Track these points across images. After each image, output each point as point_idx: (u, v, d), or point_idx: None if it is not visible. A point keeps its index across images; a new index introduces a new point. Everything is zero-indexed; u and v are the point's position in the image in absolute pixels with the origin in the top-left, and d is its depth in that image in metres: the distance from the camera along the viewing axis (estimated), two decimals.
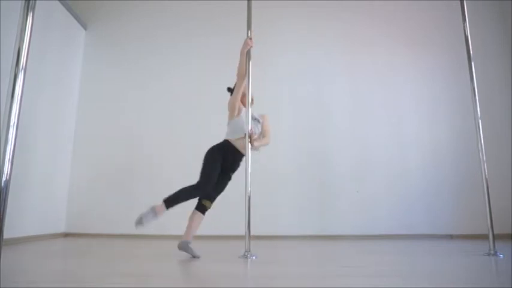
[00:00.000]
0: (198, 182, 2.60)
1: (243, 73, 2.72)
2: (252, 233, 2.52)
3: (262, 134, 2.78)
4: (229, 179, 2.70)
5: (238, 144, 2.65)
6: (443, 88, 4.68)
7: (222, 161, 2.62)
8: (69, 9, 4.26)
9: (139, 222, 2.43)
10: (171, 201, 2.54)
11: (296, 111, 4.49)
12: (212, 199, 2.65)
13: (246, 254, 2.42)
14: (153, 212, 2.46)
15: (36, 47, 3.45)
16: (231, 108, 2.72)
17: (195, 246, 2.45)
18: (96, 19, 4.73)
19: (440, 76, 4.72)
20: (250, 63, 2.80)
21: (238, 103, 2.72)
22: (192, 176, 4.38)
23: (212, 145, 2.70)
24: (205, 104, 4.48)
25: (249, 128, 2.62)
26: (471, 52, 2.95)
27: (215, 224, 4.16)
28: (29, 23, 1.49)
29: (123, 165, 4.33)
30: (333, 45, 4.74)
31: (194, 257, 2.43)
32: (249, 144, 2.61)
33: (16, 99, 1.42)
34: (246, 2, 2.92)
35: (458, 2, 3.08)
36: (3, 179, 1.35)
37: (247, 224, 2.53)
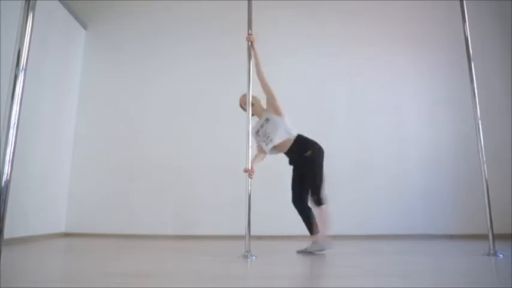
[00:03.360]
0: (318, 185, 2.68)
1: (262, 76, 2.83)
2: (252, 233, 2.52)
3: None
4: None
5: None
6: (443, 88, 4.68)
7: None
8: (69, 9, 4.26)
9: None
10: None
11: (296, 111, 4.48)
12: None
13: (246, 254, 2.42)
14: (320, 243, 2.64)
15: (36, 47, 3.45)
16: (279, 108, 2.80)
17: (195, 245, 2.45)
18: (96, 19, 4.73)
19: (440, 76, 4.72)
20: (251, 62, 2.82)
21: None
22: (192, 175, 4.41)
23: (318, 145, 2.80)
24: (205, 104, 4.49)
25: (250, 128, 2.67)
26: (471, 52, 2.95)
27: (215, 224, 4.18)
28: (29, 23, 1.49)
29: (123, 165, 4.33)
30: (333, 45, 4.74)
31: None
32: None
33: (16, 100, 1.42)
34: (246, 2, 2.92)
35: (458, 2, 3.08)
36: (4, 179, 1.35)
37: (247, 224, 2.53)
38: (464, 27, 3.01)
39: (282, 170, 4.34)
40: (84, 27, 4.65)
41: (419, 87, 4.69)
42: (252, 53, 2.81)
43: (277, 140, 2.73)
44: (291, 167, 2.90)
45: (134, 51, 4.66)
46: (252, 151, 2.71)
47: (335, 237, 4.09)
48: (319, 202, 2.63)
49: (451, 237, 4.18)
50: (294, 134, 2.78)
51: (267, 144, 2.75)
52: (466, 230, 4.16)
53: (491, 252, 2.55)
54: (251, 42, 2.81)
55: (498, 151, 4.37)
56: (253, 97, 2.81)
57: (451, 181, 4.41)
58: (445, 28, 4.76)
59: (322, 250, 2.65)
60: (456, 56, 4.41)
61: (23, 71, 1.45)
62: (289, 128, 2.78)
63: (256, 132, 2.83)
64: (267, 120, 2.79)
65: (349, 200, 4.31)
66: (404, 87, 4.68)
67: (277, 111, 2.79)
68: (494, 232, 2.62)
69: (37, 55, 3.55)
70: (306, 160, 2.72)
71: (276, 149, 2.79)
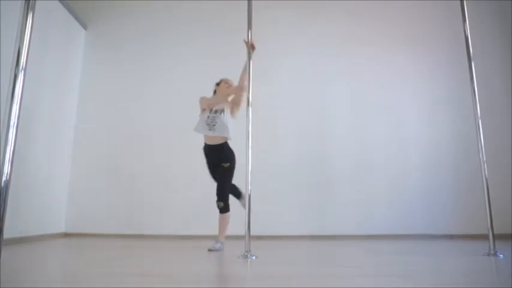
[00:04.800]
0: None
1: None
2: (252, 233, 2.52)
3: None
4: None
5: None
6: (443, 88, 4.68)
7: None
8: (69, 9, 4.26)
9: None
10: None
11: (296, 111, 4.49)
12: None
13: (246, 254, 2.42)
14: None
15: (36, 47, 3.45)
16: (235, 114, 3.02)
17: (195, 245, 2.45)
18: (96, 19, 4.73)
19: (440, 76, 4.72)
20: (251, 62, 2.81)
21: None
22: (192, 175, 4.41)
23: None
24: None
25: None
26: (471, 52, 2.95)
27: (215, 224, 4.17)
28: (29, 23, 1.50)
29: (123, 165, 4.33)
30: (333, 45, 4.74)
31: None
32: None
33: (16, 99, 1.42)
34: (246, 2, 2.92)
35: (458, 2, 3.08)
36: (3, 179, 1.35)
37: (247, 224, 2.53)
38: (464, 27, 3.01)
39: (282, 170, 4.36)
40: (84, 27, 4.65)
41: (419, 87, 4.69)
42: (248, 57, 2.79)
43: (218, 132, 2.90)
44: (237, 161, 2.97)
45: (134, 51, 4.66)
46: (251, 151, 2.70)
47: (335, 237, 4.12)
48: (225, 209, 2.86)
49: (451, 237, 4.18)
50: (231, 137, 2.95)
51: (209, 129, 2.92)
52: (466, 230, 4.16)
53: (492, 252, 2.55)
54: (252, 46, 2.80)
55: (498, 151, 4.37)
56: (229, 80, 3.08)
57: (451, 181, 4.41)
58: (445, 28, 4.76)
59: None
60: (456, 55, 4.41)
61: (22, 71, 1.45)
62: (231, 129, 2.95)
63: (210, 110, 2.97)
64: (222, 111, 2.94)
65: (349, 200, 4.31)
66: (404, 87, 4.68)
67: (232, 114, 2.99)
68: (494, 232, 2.62)
69: (37, 55, 3.55)
70: (222, 168, 2.90)
71: (208, 137, 2.97)
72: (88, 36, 4.70)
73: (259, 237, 3.48)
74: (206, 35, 4.68)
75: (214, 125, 2.90)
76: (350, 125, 4.54)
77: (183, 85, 4.58)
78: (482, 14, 4.80)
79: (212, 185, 4.25)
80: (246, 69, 2.80)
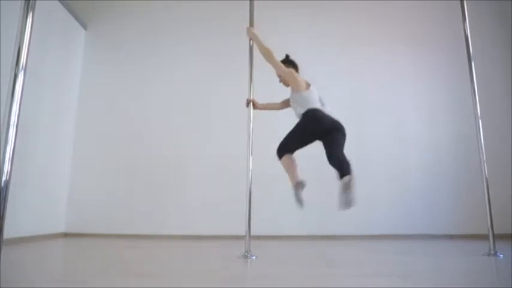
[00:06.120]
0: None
1: (268, 50, 2.88)
2: (252, 233, 2.52)
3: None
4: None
5: None
6: (443, 88, 4.68)
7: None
8: (69, 9, 4.26)
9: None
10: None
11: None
12: None
13: (246, 254, 2.42)
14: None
15: (36, 47, 3.45)
16: (297, 82, 2.93)
17: (195, 245, 2.46)
18: (96, 19, 4.73)
19: (440, 76, 4.72)
20: (253, 63, 2.82)
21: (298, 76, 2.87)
22: (192, 175, 4.41)
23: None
24: (206, 104, 4.49)
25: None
26: (471, 52, 2.95)
27: (215, 224, 4.18)
28: (29, 23, 1.49)
29: (123, 165, 4.33)
30: (333, 45, 4.74)
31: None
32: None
33: (16, 99, 1.42)
34: (246, 2, 2.93)
35: (458, 2, 3.09)
36: (3, 178, 1.35)
37: (247, 224, 2.53)
38: (464, 27, 3.01)
39: (282, 170, 4.35)
40: (84, 27, 4.65)
41: (419, 87, 4.69)
42: (255, 39, 2.88)
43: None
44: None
45: (134, 51, 4.66)
46: (252, 151, 2.71)
47: (335, 237, 4.12)
48: None
49: (451, 237, 4.18)
50: None
51: (322, 105, 3.02)
52: (466, 230, 4.16)
53: (492, 252, 2.55)
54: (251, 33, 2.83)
55: (498, 151, 4.37)
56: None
57: (451, 181, 4.41)
58: (445, 28, 4.77)
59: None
60: (456, 55, 4.42)
61: (22, 71, 1.45)
62: None
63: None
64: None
65: None
66: (404, 87, 4.68)
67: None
68: (495, 232, 2.62)
69: (37, 55, 3.55)
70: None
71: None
72: (88, 36, 4.70)
73: (259, 237, 3.48)
74: (206, 35, 4.68)
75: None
76: (350, 125, 4.51)
77: (183, 85, 4.58)
78: (482, 14, 4.80)
79: (210, 186, 4.28)
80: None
